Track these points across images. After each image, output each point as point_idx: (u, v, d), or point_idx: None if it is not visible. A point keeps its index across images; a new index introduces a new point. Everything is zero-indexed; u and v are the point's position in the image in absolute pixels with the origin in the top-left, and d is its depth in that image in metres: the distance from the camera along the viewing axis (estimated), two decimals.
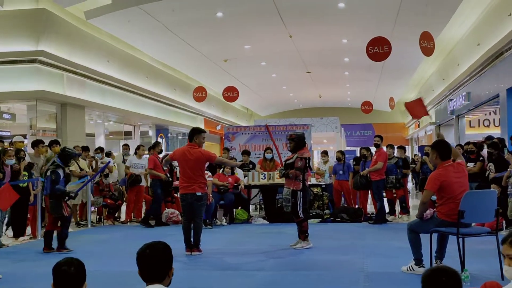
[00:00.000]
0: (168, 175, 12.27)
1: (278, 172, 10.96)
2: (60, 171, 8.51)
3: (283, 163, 8.70)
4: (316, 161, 20.40)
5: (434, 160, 6.13)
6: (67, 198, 8.56)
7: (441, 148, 6.08)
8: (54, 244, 8.55)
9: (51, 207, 8.49)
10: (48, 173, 8.54)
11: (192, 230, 8.21)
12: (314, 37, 18.35)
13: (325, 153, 14.10)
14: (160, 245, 3.08)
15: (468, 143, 11.78)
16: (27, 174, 10.21)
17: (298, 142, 8.48)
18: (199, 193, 8.13)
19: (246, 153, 13.61)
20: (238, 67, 22.44)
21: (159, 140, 24.07)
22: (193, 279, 6.41)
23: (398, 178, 12.07)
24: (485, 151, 11.30)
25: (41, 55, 14.16)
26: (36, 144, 11.29)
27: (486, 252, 6.88)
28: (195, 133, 8.38)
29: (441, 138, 6.69)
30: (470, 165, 10.82)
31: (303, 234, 8.48)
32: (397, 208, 12.51)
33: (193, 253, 8.07)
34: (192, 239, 8.18)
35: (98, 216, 12.84)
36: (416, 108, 8.84)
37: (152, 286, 2.95)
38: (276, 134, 14.53)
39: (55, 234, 8.63)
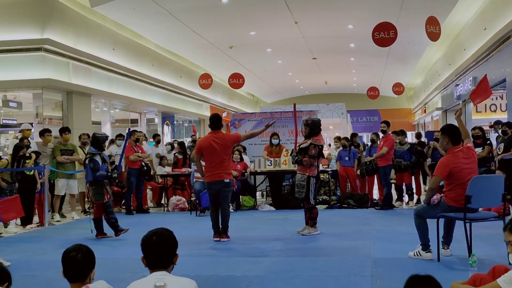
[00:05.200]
0: (144, 164, 12.24)
1: (289, 156, 10.87)
2: (97, 158, 8.58)
3: (296, 148, 8.60)
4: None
5: (445, 145, 6.07)
6: (110, 181, 8.90)
7: (452, 132, 6.04)
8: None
9: (93, 194, 8.58)
10: (87, 162, 8.65)
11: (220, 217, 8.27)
12: (319, 23, 18.23)
13: (338, 139, 13.98)
14: (165, 231, 3.09)
15: (474, 128, 11.73)
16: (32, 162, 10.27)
17: (313, 128, 8.39)
18: (227, 180, 8.18)
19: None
20: (243, 53, 22.35)
21: (165, 127, 24.09)
22: (200, 265, 6.43)
23: (411, 163, 11.99)
24: (492, 136, 11.29)
25: (46, 43, 14.14)
26: (42, 133, 11.41)
27: (493, 236, 6.89)
28: (220, 120, 8.53)
29: (460, 114, 6.62)
30: (478, 150, 10.82)
31: (312, 221, 8.47)
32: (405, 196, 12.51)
33: (222, 239, 8.12)
34: (220, 226, 8.24)
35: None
36: (482, 89, 7.79)
37: (157, 273, 2.97)
38: (282, 121, 14.45)
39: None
